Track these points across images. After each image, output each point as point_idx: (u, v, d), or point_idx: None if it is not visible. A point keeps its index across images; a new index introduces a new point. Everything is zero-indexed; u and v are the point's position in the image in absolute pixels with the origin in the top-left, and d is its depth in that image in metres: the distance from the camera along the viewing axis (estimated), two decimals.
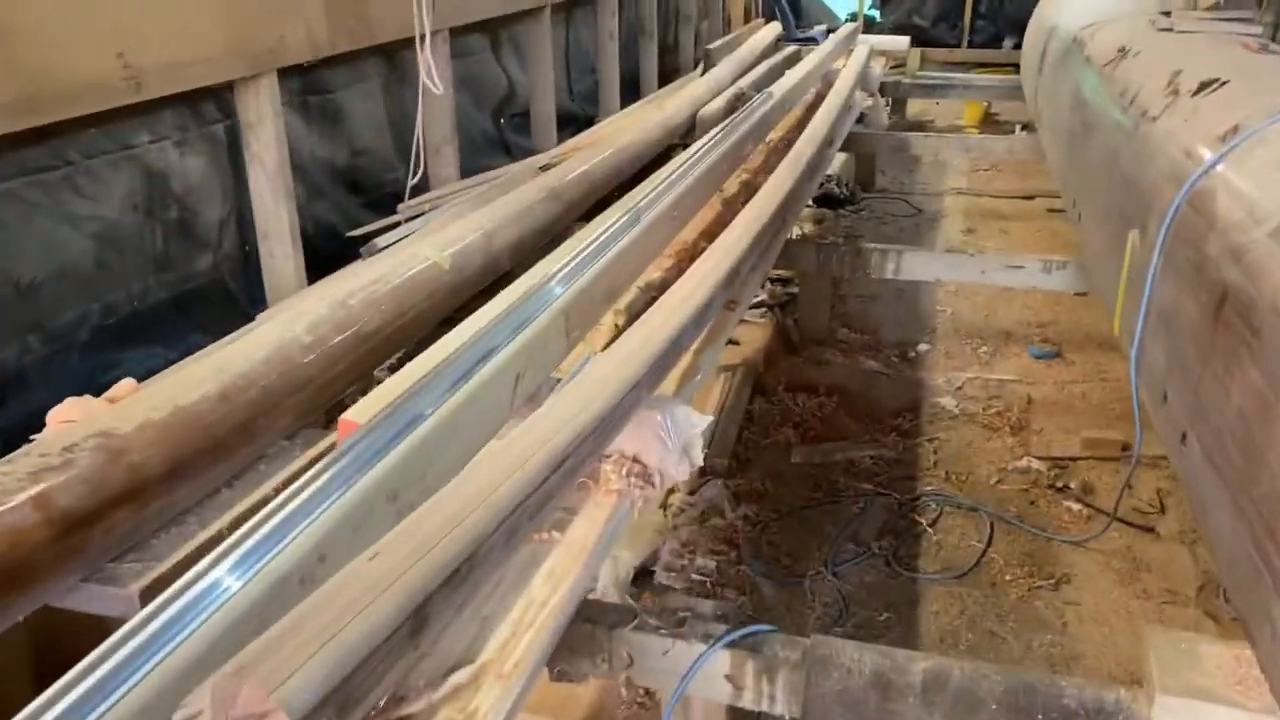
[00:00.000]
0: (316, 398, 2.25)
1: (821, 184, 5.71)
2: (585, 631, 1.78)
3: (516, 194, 3.53)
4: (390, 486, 1.46)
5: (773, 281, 4.65)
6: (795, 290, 4.58)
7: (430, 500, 1.25)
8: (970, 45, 11.03)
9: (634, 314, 2.79)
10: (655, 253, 2.84)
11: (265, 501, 2.09)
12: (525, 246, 3.32)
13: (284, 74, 3.38)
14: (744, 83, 6.74)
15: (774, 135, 5.00)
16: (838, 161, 6.35)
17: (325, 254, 3.97)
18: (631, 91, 7.71)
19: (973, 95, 8.21)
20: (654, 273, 3.14)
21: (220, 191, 3.22)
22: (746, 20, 11.12)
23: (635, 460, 1.88)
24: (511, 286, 2.18)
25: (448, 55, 4.40)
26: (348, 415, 1.88)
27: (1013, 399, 3.79)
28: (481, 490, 1.25)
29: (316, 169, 3.89)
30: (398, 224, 4.04)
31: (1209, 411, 1.91)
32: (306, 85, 3.71)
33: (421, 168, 3.78)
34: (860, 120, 6.87)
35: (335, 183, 4.06)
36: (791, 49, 9.06)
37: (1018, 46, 10.27)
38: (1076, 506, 3.10)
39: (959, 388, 3.91)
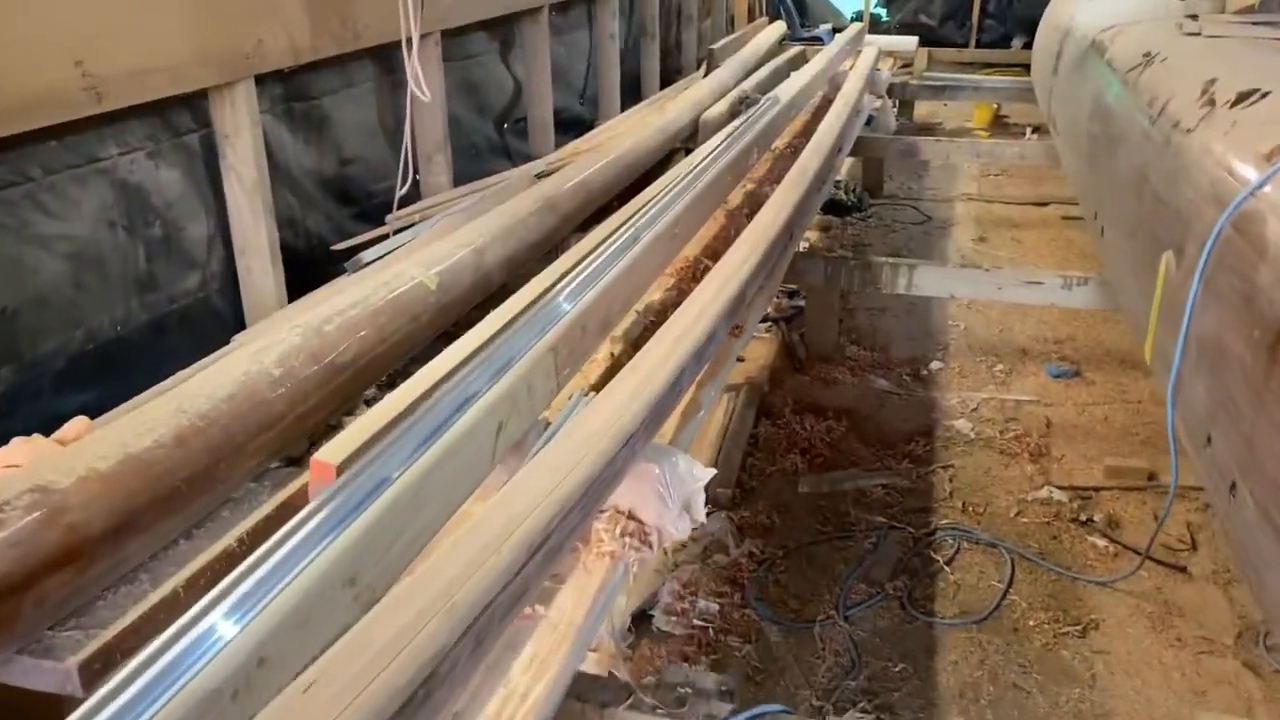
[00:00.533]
0: (286, 435, 2.07)
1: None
2: (574, 711, 1.60)
3: (509, 205, 3.35)
4: (348, 569, 1.28)
5: (778, 294, 4.46)
6: (802, 304, 4.40)
7: (383, 602, 1.08)
8: (978, 45, 10.83)
9: (631, 342, 2.61)
10: (655, 275, 2.66)
11: (228, 555, 1.91)
12: (518, 261, 3.13)
13: (265, 80, 3.20)
14: (747, 85, 6.55)
15: (780, 142, 4.82)
16: (845, 166, 6.16)
17: (313, 269, 3.80)
18: (633, 93, 7.52)
19: (982, 97, 8.02)
20: (654, 293, 2.97)
21: (203, 206, 3.04)
22: (750, 19, 10.92)
23: (631, 517, 1.70)
24: (492, 316, 1.99)
25: (439, 59, 4.22)
26: (320, 455, 1.71)
27: (1031, 422, 3.60)
28: (446, 588, 1.08)
29: (302, 179, 3.71)
30: (386, 236, 3.87)
31: (1266, 463, 1.72)
32: (290, 91, 3.53)
33: (410, 178, 3.60)
34: (868, 123, 6.69)
35: (323, 193, 3.88)
36: (796, 49, 8.87)
37: (1027, 46, 10.08)
38: (1102, 543, 2.92)
39: (974, 409, 3.72)
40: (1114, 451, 3.39)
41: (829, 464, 3.32)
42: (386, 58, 4.06)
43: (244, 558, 2.06)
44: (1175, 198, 2.60)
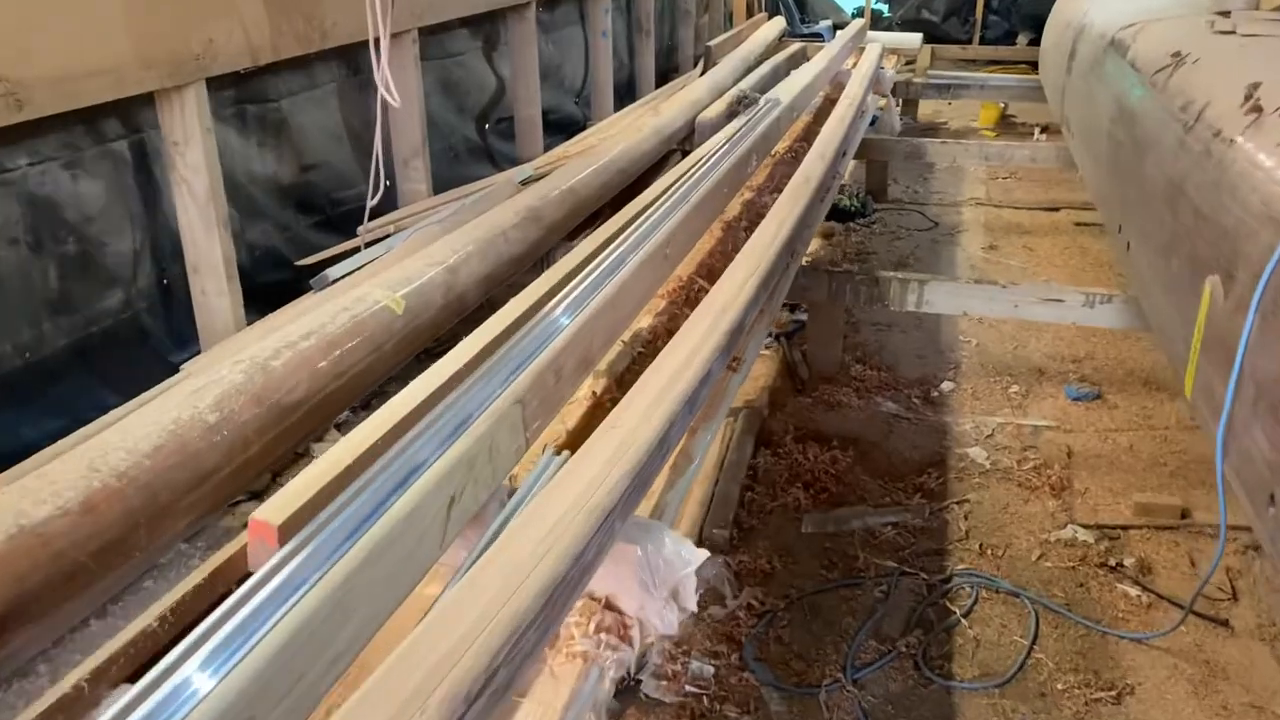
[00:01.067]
0: (222, 491, 1.82)
1: None
2: None
3: (488, 217, 3.09)
4: (238, 716, 1.02)
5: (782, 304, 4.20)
6: (804, 318, 4.14)
7: None
8: (982, 42, 10.56)
9: (616, 377, 2.35)
10: (642, 302, 2.39)
11: (147, 636, 1.66)
12: (496, 280, 2.88)
13: (216, 81, 2.94)
14: (746, 84, 6.29)
15: (780, 146, 4.56)
16: (848, 169, 5.90)
17: (271, 285, 3.54)
18: (627, 93, 7.26)
19: (988, 96, 7.76)
20: (643, 318, 2.70)
21: (129, 218, 2.78)
22: (749, 15, 10.64)
23: (608, 607, 1.44)
24: (446, 360, 1.73)
25: (416, 57, 3.95)
26: (259, 514, 1.45)
27: (1051, 451, 3.34)
28: None
29: (257, 188, 3.45)
30: (358, 249, 3.61)
31: None
32: (244, 93, 3.27)
33: (381, 187, 3.33)
34: (871, 124, 6.43)
35: (281, 203, 3.62)
36: (796, 46, 8.60)
37: (1033, 43, 9.81)
38: (1134, 591, 2.66)
39: (989, 435, 3.47)
40: (1142, 485, 3.13)
41: (834, 499, 3.07)
42: (355, 56, 3.81)
43: (167, 639, 1.77)
44: (1219, 215, 2.34)
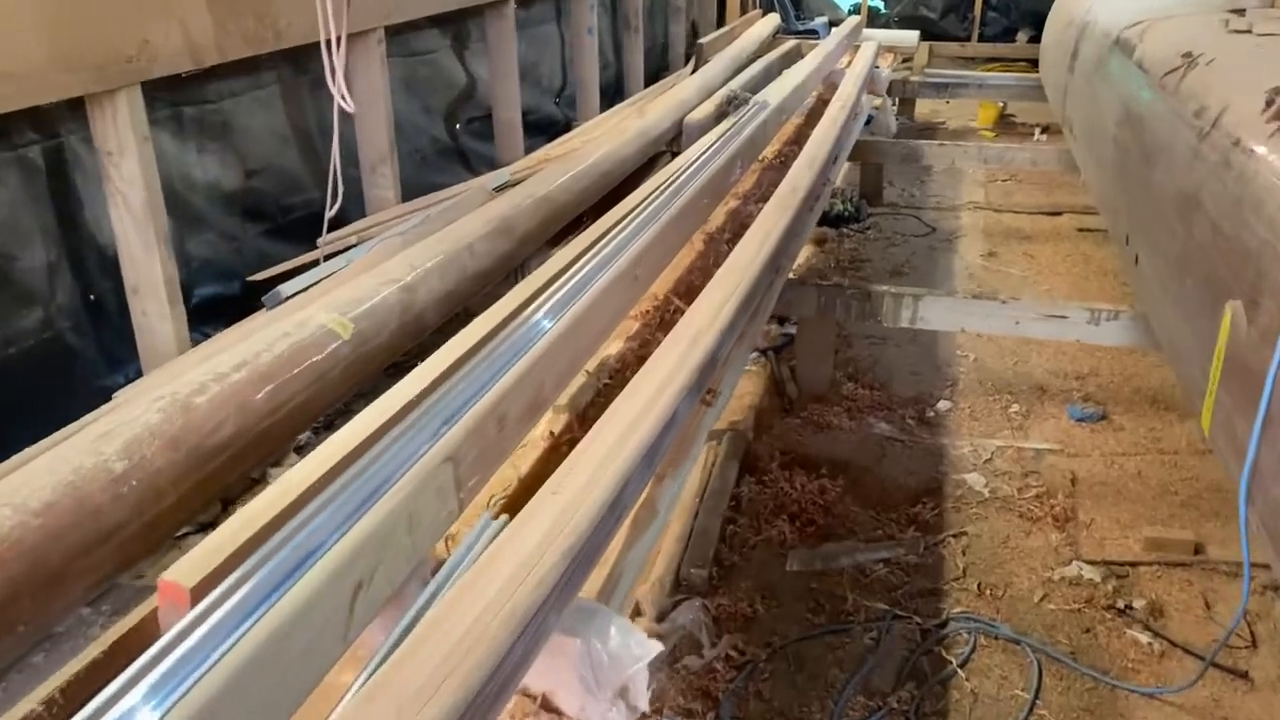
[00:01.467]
0: (130, 549, 1.62)
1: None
2: None
3: (454, 229, 2.89)
4: None
5: (771, 315, 3.99)
6: (793, 331, 3.93)
7: None
8: (981, 39, 10.34)
9: (578, 413, 2.14)
10: (607, 330, 2.19)
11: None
12: (460, 297, 2.67)
13: (150, 82, 2.72)
14: (737, 83, 6.09)
15: (769, 150, 4.35)
16: (841, 173, 5.70)
17: (215, 300, 3.33)
18: (615, 92, 7.05)
19: (987, 95, 7.55)
20: (612, 343, 2.50)
21: (41, 229, 2.57)
22: (742, 12, 10.43)
23: (545, 707, 1.24)
24: (368, 412, 1.51)
25: (383, 57, 3.74)
26: (169, 575, 1.26)
27: (1054, 477, 3.14)
28: None
29: (198, 195, 3.24)
30: (317, 263, 3.40)
31: None
32: (180, 95, 3.05)
33: (338, 196, 3.12)
34: (867, 123, 6.22)
35: (225, 211, 3.40)
36: (790, 44, 8.39)
37: (1033, 40, 9.60)
38: (1145, 638, 2.46)
39: (988, 460, 3.26)
40: (1151, 516, 2.93)
41: (822, 532, 2.86)
42: (309, 55, 3.59)
43: None
44: (1241, 233, 2.13)
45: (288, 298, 3.15)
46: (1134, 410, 3.54)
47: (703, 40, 8.11)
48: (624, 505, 1.44)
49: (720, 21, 10.02)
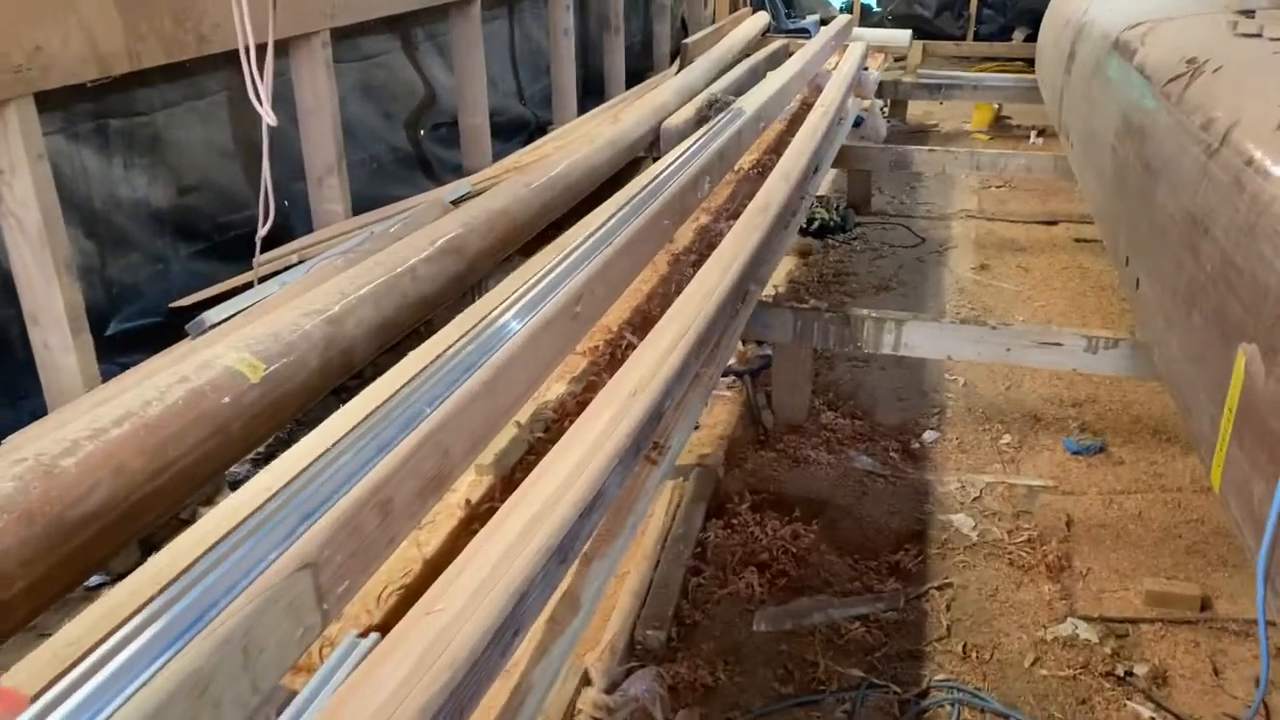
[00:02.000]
0: None
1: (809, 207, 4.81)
2: None
3: (395, 250, 2.64)
4: None
5: (744, 339, 3.75)
6: (770, 352, 3.69)
7: None
8: (976, 38, 10.09)
9: (505, 473, 1.90)
10: (541, 376, 1.94)
11: None
12: (398, 326, 2.43)
13: (67, 94, 2.48)
14: (719, 86, 5.85)
15: (746, 160, 4.11)
16: (828, 179, 5.45)
17: (142, 330, 3.08)
18: (596, 93, 6.80)
19: (981, 96, 7.30)
20: (555, 384, 2.25)
21: None
22: (732, 10, 10.18)
23: None
24: (216, 513, 1.26)
25: (328, 62, 3.49)
26: (10, 680, 1.04)
27: (1048, 519, 2.90)
28: None
29: (123, 214, 2.99)
30: (251, 285, 3.15)
31: None
32: (105, 107, 2.81)
33: (271, 214, 2.87)
34: (857, 124, 5.98)
35: (154, 231, 3.15)
36: (780, 43, 8.15)
37: (1030, 39, 9.35)
38: (1147, 712, 2.22)
39: (976, 498, 3.02)
40: (1153, 564, 2.69)
41: (794, 584, 2.62)
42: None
43: None
44: (1257, 267, 1.89)
45: (212, 326, 2.90)
46: (1134, 442, 3.30)
47: (688, 40, 7.86)
48: (523, 618, 1.20)
49: (712, 20, 9.76)
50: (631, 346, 2.31)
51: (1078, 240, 5.08)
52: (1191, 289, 2.25)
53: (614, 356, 2.33)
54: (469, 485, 1.79)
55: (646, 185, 2.77)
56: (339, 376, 2.25)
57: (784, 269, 4.61)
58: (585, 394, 2.13)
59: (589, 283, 2.10)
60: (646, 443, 1.75)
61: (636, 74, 7.53)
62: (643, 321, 2.52)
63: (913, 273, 4.73)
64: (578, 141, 4.49)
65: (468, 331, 1.75)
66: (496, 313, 1.83)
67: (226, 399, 1.88)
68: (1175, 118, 2.63)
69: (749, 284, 2.62)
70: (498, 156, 4.82)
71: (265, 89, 2.62)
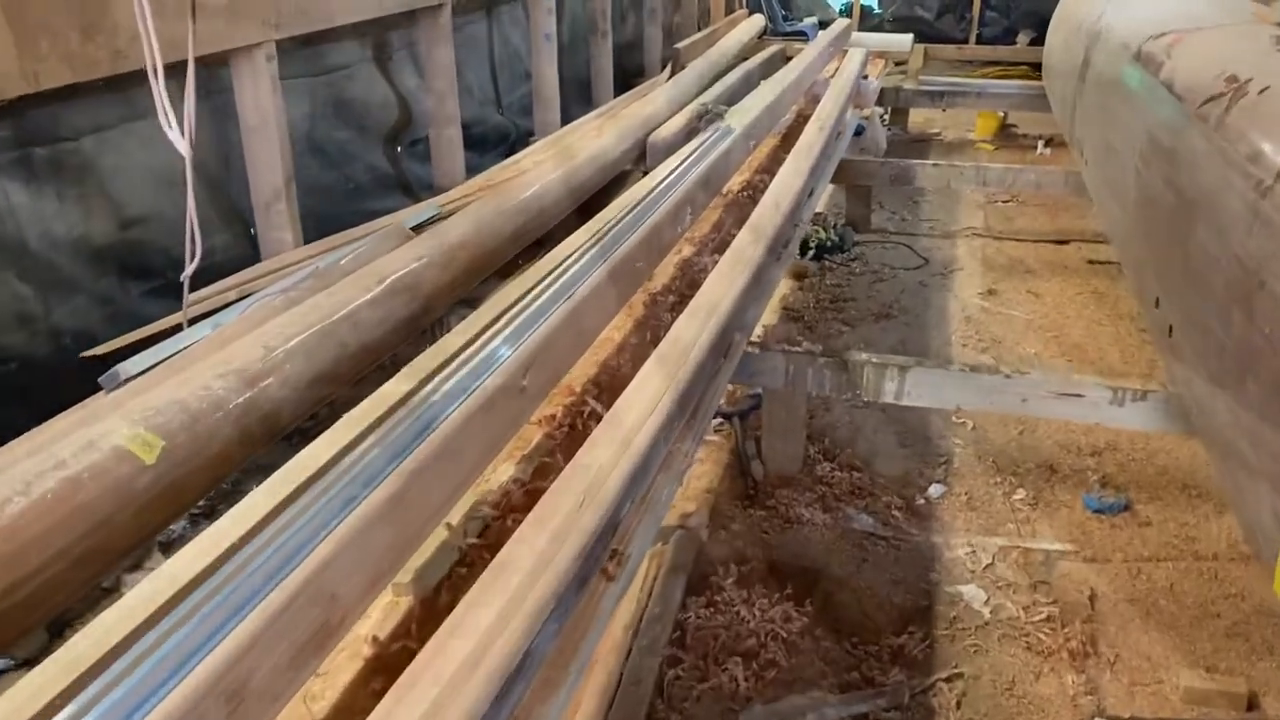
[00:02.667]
0: None
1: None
2: None
3: (336, 292, 2.34)
4: None
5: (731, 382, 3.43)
6: (761, 391, 3.37)
7: None
8: (979, 41, 9.77)
9: (425, 596, 1.58)
10: (477, 468, 1.63)
11: None
12: (332, 382, 2.12)
13: None
14: (710, 96, 5.53)
15: (735, 181, 3.80)
16: (825, 195, 5.14)
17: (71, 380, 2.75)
18: (582, 100, 6.48)
19: (986, 104, 6.99)
20: (503, 465, 1.94)
21: None
22: (727, 13, 9.85)
23: None
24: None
25: (274, 76, 3.17)
26: None
27: (1069, 592, 2.59)
28: None
29: (61, 254, 2.68)
30: (181, 328, 2.84)
31: None
32: (26, 132, 2.50)
33: (198, 250, 2.55)
34: (858, 133, 5.67)
35: (98, 270, 2.85)
36: (776, 47, 7.84)
37: (1035, 42, 9.03)
38: None
39: (988, 565, 2.71)
40: (1190, 650, 2.38)
41: (784, 676, 2.30)
42: (215, 72, 3.04)
43: None
44: None
45: (128, 380, 2.59)
46: (1161, 498, 2.99)
47: (680, 44, 7.55)
48: None
49: (704, 22, 9.45)
50: (595, 416, 2.00)
51: (1091, 262, 4.77)
52: (1245, 351, 1.94)
53: (574, 428, 2.02)
54: (383, 609, 1.48)
55: (619, 219, 2.46)
56: (262, 444, 1.95)
57: (776, 294, 4.30)
58: (535, 481, 1.82)
59: (542, 346, 1.79)
60: (599, 561, 1.44)
61: (626, 81, 7.23)
62: (610, 381, 2.20)
63: (915, 298, 4.42)
64: (559, 156, 4.18)
65: (377, 421, 1.43)
66: (417, 394, 1.51)
67: (111, 486, 1.58)
68: (1215, 145, 2.31)
69: (733, 334, 2.31)
70: (478, 169, 4.51)
71: (188, 113, 2.31)
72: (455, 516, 1.65)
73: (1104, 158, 3.82)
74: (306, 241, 3.41)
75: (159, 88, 2.11)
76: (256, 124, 3.14)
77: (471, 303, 2.77)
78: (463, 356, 1.67)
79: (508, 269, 3.16)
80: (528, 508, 1.48)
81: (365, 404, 1.50)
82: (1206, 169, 2.35)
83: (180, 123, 2.30)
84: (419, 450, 1.39)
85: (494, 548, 1.44)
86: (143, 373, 2.56)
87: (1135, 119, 3.25)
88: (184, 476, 1.74)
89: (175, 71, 2.15)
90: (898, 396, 2.80)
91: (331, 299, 2.28)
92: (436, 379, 1.58)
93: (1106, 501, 2.94)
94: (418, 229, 3.63)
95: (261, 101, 3.11)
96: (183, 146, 2.20)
